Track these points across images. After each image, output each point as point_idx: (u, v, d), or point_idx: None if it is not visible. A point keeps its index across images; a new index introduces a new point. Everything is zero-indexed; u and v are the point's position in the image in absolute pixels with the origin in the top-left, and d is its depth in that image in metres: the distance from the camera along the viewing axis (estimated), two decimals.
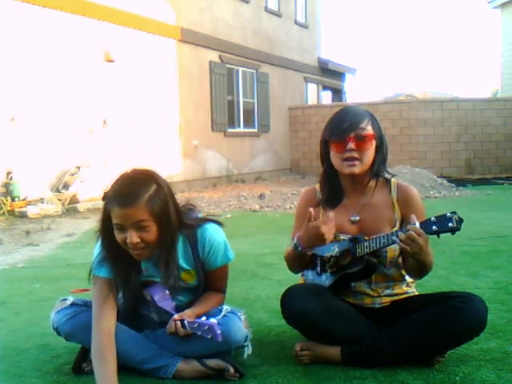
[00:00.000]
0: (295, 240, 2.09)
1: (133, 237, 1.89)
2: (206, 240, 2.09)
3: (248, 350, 2.06)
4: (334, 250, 2.10)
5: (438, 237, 1.89)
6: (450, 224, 1.84)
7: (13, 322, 2.89)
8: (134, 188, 1.91)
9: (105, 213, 1.95)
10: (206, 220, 2.13)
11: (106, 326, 1.96)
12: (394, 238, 1.95)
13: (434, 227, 1.86)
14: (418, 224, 1.89)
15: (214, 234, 2.11)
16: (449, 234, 1.86)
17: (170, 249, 2.01)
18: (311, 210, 2.05)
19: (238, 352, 2.08)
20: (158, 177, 1.99)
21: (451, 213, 1.85)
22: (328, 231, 1.98)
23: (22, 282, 3.84)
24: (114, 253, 1.99)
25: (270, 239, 5.28)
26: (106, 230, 1.97)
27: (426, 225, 1.88)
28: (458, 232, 1.85)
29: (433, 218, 1.88)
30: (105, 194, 1.96)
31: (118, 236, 1.93)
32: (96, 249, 2.07)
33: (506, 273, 3.54)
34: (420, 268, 2.04)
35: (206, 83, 11.97)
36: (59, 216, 7.62)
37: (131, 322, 2.12)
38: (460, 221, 1.84)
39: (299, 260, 2.16)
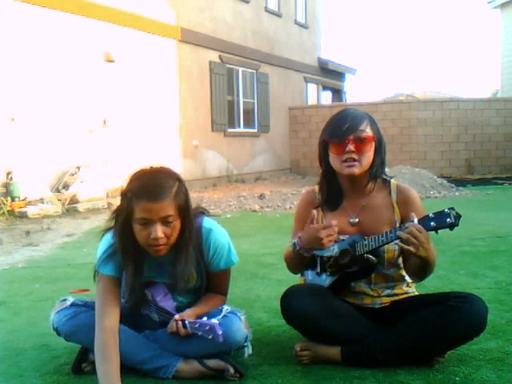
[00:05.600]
0: (295, 239, 2.10)
1: (158, 231, 1.88)
2: (211, 243, 2.09)
3: (248, 351, 2.06)
4: (334, 250, 2.10)
5: (437, 233, 1.90)
6: (448, 219, 1.85)
7: (13, 322, 2.88)
8: (161, 182, 1.91)
9: (126, 208, 1.91)
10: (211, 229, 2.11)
11: (109, 323, 1.95)
12: (393, 235, 1.95)
13: (432, 223, 1.88)
14: (416, 221, 1.90)
15: (218, 236, 2.11)
16: (447, 230, 1.87)
17: (187, 247, 2.01)
18: (315, 211, 2.05)
19: (238, 352, 2.08)
20: (176, 173, 2.01)
21: (449, 209, 1.87)
22: (326, 237, 1.98)
23: (22, 282, 3.83)
24: (129, 250, 1.98)
25: (270, 239, 5.28)
26: (126, 226, 1.94)
27: (424, 221, 1.89)
28: (456, 227, 1.86)
29: (431, 215, 1.89)
30: (126, 189, 1.93)
31: (141, 232, 1.91)
32: (101, 246, 2.06)
33: (506, 273, 3.55)
34: (423, 267, 2.02)
35: (206, 83, 11.97)
36: (59, 216, 7.61)
37: (132, 322, 2.12)
38: (458, 216, 1.85)
39: (298, 260, 2.16)
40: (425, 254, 1.91)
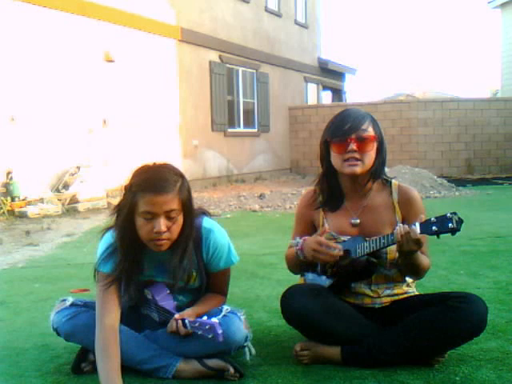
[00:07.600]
0: (300, 240, 2.10)
1: (162, 225, 1.89)
2: (211, 242, 2.09)
3: (251, 352, 2.06)
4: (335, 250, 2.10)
5: (438, 237, 1.89)
6: (450, 224, 1.84)
7: (13, 322, 2.88)
8: (166, 176, 1.92)
9: (130, 202, 1.92)
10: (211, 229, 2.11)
11: (110, 321, 1.95)
12: (394, 238, 1.95)
13: (433, 227, 1.87)
14: (418, 225, 1.89)
15: (218, 236, 2.11)
16: (449, 234, 1.86)
17: (187, 244, 2.01)
18: (327, 226, 2.09)
19: (238, 352, 2.08)
20: (179, 170, 2.02)
21: (451, 213, 1.85)
22: (322, 260, 2.02)
23: (22, 282, 3.83)
24: (130, 247, 1.98)
25: (270, 239, 5.28)
26: (128, 220, 1.94)
27: (426, 225, 1.88)
28: (458, 233, 1.85)
29: (433, 219, 1.88)
30: (130, 183, 1.94)
31: (144, 226, 1.91)
32: (101, 245, 2.06)
33: (506, 273, 3.55)
34: (410, 270, 2.08)
35: (206, 83, 11.97)
36: (59, 216, 7.61)
37: (132, 322, 2.12)
38: (460, 221, 1.84)
39: (299, 260, 2.16)
40: (413, 259, 2.00)
